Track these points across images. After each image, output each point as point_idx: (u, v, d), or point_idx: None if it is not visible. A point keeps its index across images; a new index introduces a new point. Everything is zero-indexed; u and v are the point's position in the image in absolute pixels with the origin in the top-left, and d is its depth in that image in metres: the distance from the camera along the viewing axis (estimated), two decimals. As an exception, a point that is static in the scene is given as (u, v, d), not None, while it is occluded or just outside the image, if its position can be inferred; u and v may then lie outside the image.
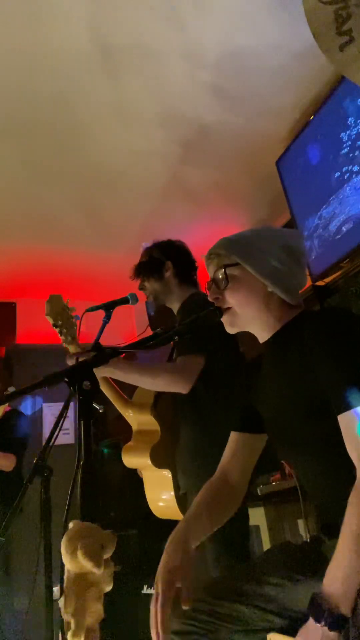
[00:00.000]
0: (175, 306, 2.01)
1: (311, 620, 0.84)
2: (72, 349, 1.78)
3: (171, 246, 2.03)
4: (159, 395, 1.94)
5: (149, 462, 1.85)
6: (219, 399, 1.72)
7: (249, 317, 1.19)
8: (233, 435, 1.30)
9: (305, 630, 0.86)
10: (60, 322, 1.79)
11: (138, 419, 1.97)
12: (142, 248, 2.07)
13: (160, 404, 1.94)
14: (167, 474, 1.86)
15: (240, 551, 1.63)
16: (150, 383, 1.71)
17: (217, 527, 1.20)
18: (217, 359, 1.73)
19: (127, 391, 2.01)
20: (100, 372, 1.57)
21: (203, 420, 1.74)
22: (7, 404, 2.72)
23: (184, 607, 0.98)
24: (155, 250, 2.02)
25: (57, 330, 1.80)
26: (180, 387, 1.66)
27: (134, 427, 1.99)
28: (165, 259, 1.98)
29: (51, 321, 1.81)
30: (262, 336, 1.21)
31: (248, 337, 1.28)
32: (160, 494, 1.93)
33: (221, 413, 1.69)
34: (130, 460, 1.96)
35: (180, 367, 1.69)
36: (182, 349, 1.74)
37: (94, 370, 1.50)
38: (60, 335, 1.79)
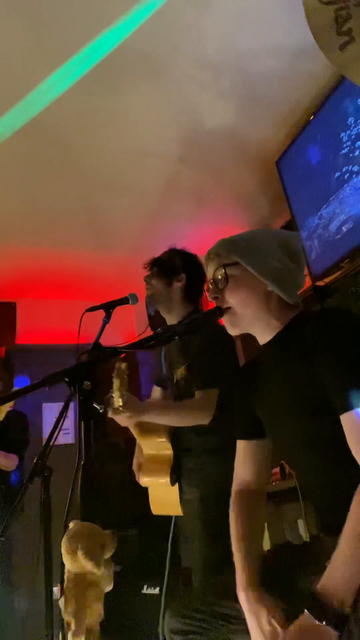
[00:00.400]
0: (170, 317, 2.03)
1: (308, 617, 0.84)
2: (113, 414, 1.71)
3: (193, 261, 2.04)
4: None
5: (167, 481, 1.86)
6: (227, 415, 1.75)
7: (249, 317, 1.19)
8: (240, 444, 1.30)
9: (301, 627, 0.85)
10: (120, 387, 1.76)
11: (154, 444, 1.94)
12: (170, 247, 2.08)
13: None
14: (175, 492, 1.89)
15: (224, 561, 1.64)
16: (183, 422, 1.81)
17: (261, 538, 1.22)
18: (228, 385, 1.78)
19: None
20: (139, 418, 1.71)
21: (209, 434, 1.81)
22: (9, 404, 2.71)
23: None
24: (178, 257, 2.03)
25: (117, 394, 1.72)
26: (205, 420, 1.76)
27: (150, 451, 1.96)
28: (182, 271, 1.99)
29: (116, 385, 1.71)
30: (264, 337, 1.21)
31: (247, 340, 1.28)
32: (164, 491, 1.92)
33: (227, 426, 1.72)
34: (149, 480, 1.94)
35: (202, 403, 1.78)
36: (199, 383, 1.82)
37: (133, 415, 1.64)
38: (117, 399, 1.73)
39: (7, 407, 2.68)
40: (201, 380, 1.82)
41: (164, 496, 1.92)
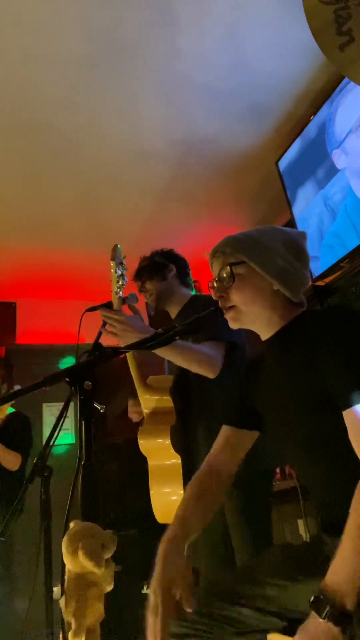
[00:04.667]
0: (174, 309, 2.06)
1: (313, 617, 0.84)
2: (115, 303, 1.77)
3: (171, 252, 2.13)
4: (177, 382, 1.94)
5: (168, 442, 1.83)
6: (232, 387, 1.72)
7: (253, 315, 1.19)
8: (225, 429, 1.29)
9: (307, 627, 0.85)
10: (120, 272, 1.79)
11: (156, 401, 1.95)
12: (141, 257, 2.13)
13: (175, 390, 1.94)
14: (176, 465, 1.84)
15: (263, 540, 1.64)
16: (186, 359, 1.72)
17: (207, 523, 1.20)
18: (232, 348, 1.78)
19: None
20: (163, 353, 1.62)
21: (216, 407, 1.76)
22: (9, 403, 2.71)
23: (188, 611, 0.98)
24: (157, 255, 2.10)
25: (115, 277, 1.78)
26: (210, 370, 1.70)
27: (149, 409, 1.97)
28: (167, 262, 2.07)
29: (113, 267, 1.80)
30: (265, 334, 1.21)
31: (250, 334, 1.28)
32: (165, 494, 1.91)
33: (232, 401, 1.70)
34: (148, 442, 1.92)
35: (211, 350, 1.72)
36: (208, 333, 1.75)
37: (129, 328, 1.57)
38: (115, 286, 1.77)
39: (8, 406, 2.67)
40: (208, 331, 1.75)
41: (168, 503, 1.91)
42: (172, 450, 1.84)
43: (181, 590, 0.99)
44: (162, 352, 1.66)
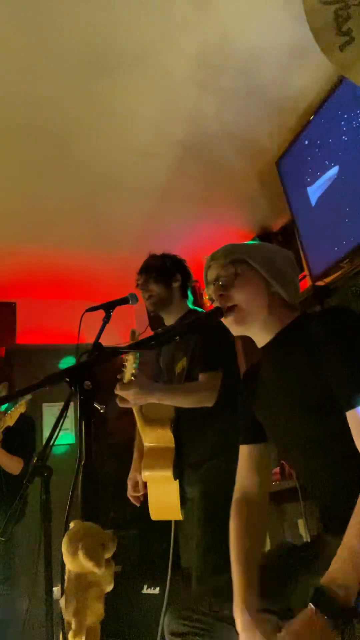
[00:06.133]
0: (170, 317, 2.09)
1: (312, 609, 0.84)
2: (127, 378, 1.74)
3: (181, 261, 2.16)
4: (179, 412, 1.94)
5: (170, 475, 1.85)
6: (226, 410, 1.76)
7: (253, 315, 1.20)
8: (243, 449, 1.29)
9: (304, 618, 0.84)
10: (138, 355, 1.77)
11: (156, 435, 1.94)
12: (151, 254, 2.16)
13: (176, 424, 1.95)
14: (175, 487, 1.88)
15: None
16: (189, 402, 1.82)
17: (262, 551, 1.20)
18: (227, 374, 1.84)
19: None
20: (146, 400, 1.72)
21: (209, 430, 1.84)
22: (25, 408, 2.69)
23: None
24: (168, 260, 2.13)
25: (132, 362, 1.75)
26: (210, 402, 1.79)
27: (151, 443, 1.95)
28: (176, 271, 2.10)
29: (133, 355, 1.74)
30: (263, 338, 1.22)
31: (247, 340, 1.28)
32: (164, 493, 1.92)
33: (226, 422, 1.73)
34: (151, 474, 1.93)
35: (208, 384, 1.82)
36: (202, 366, 1.86)
37: (140, 396, 1.66)
38: (130, 367, 1.74)
39: (19, 411, 2.66)
40: (204, 363, 1.86)
41: (163, 500, 1.91)
42: (170, 479, 1.87)
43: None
44: (163, 401, 1.77)
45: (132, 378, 1.67)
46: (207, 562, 1.71)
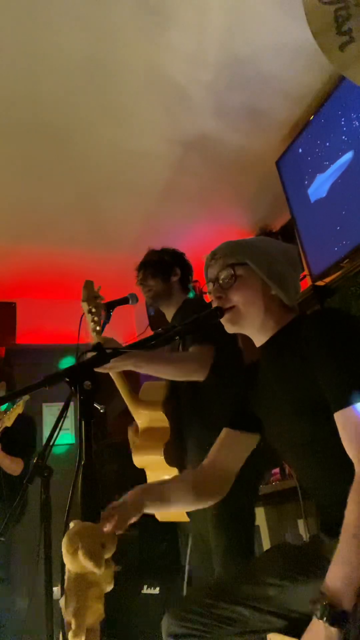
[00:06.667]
0: (170, 310, 2.07)
1: (314, 618, 0.85)
2: (96, 338, 1.77)
3: (180, 255, 2.14)
4: (169, 393, 1.94)
5: (162, 459, 1.84)
6: (225, 393, 1.72)
7: (251, 318, 1.20)
8: (224, 432, 1.31)
9: (309, 629, 0.86)
10: (94, 310, 1.80)
11: (149, 417, 1.95)
12: (150, 249, 2.14)
13: (168, 401, 1.94)
14: (174, 473, 1.86)
15: (245, 550, 1.63)
16: (172, 372, 1.74)
17: (179, 508, 1.25)
18: (222, 352, 1.77)
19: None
20: (122, 365, 1.57)
21: (209, 417, 1.75)
22: (22, 408, 2.70)
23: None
24: (167, 254, 2.11)
25: (90, 317, 1.79)
26: (199, 375, 1.71)
27: (143, 424, 1.98)
28: (174, 265, 2.08)
29: (85, 308, 1.81)
30: (259, 339, 1.22)
31: (246, 340, 1.29)
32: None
33: (227, 408, 1.70)
34: (142, 458, 1.93)
35: (197, 355, 1.74)
36: (194, 338, 1.77)
37: (116, 361, 1.49)
38: (91, 323, 1.78)
39: (16, 412, 2.66)
40: (195, 337, 1.76)
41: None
42: (166, 465, 1.85)
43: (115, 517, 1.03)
44: (145, 371, 1.66)
45: (97, 334, 1.64)
46: (208, 562, 1.71)
